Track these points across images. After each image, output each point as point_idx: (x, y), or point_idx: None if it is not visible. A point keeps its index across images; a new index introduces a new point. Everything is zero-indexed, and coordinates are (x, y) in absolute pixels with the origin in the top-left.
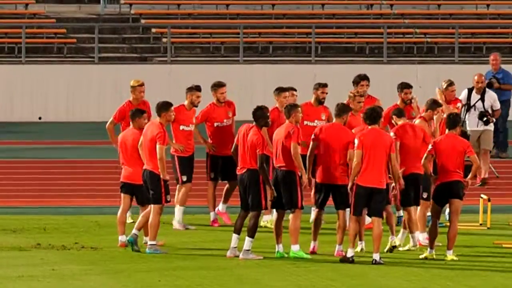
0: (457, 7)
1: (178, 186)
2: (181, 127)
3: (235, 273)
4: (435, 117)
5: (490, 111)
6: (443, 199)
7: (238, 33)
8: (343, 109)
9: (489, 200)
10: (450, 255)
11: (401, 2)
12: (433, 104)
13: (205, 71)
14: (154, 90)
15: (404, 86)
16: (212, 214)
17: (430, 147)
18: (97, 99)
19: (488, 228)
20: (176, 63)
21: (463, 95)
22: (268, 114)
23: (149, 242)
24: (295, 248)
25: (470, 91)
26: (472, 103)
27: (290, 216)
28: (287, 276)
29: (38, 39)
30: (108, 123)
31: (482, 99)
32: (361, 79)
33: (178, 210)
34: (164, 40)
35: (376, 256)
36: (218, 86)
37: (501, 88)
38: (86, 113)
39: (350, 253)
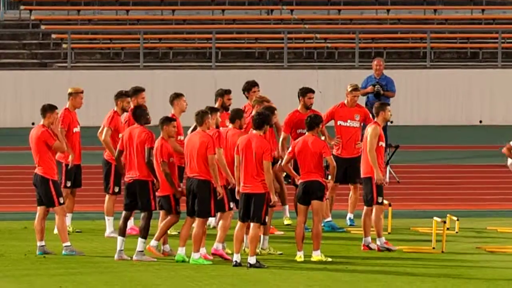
0: (357, 12)
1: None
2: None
3: (135, 279)
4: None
5: None
6: (305, 199)
7: (138, 39)
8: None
9: (390, 205)
10: (317, 256)
11: (301, 7)
12: (383, 105)
13: (105, 76)
14: (54, 95)
15: (308, 91)
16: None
17: (290, 149)
18: None
19: (389, 233)
20: (76, 68)
21: None
22: (147, 111)
23: (63, 244)
24: (195, 256)
25: None
26: None
27: (196, 223)
28: (187, 282)
29: None
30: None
31: None
32: (251, 86)
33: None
34: (64, 45)
35: (251, 260)
36: (140, 91)
37: (384, 95)
38: None
39: (236, 257)
